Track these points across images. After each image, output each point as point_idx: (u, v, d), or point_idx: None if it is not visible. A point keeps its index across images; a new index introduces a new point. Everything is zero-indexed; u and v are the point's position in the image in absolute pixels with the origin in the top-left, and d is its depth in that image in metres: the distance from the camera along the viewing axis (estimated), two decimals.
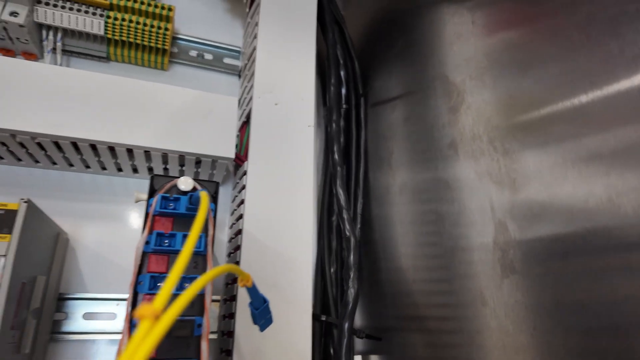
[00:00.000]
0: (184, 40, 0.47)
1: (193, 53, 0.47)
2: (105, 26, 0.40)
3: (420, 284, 0.36)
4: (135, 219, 0.39)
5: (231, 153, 0.36)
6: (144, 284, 0.22)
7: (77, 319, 0.35)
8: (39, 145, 0.33)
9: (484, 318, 0.27)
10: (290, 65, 0.40)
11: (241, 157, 0.39)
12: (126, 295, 0.37)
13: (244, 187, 0.36)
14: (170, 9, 0.42)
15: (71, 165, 0.38)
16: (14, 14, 0.37)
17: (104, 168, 0.38)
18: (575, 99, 0.23)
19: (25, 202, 0.27)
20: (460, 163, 0.31)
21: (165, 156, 0.35)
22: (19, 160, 0.36)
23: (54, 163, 0.37)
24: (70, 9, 0.39)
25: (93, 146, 0.34)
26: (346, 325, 0.33)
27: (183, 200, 0.24)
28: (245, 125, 0.40)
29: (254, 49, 0.41)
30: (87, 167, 0.38)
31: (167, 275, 0.22)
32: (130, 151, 0.35)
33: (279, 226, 0.35)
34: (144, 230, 0.23)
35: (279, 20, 0.41)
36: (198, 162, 0.37)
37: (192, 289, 0.13)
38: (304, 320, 0.33)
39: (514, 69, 0.28)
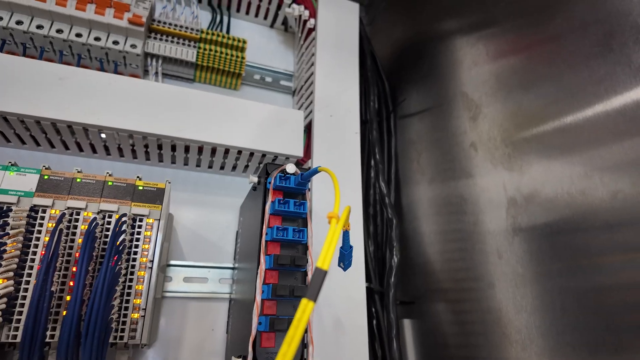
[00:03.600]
0: (250, 66, 0.58)
1: (257, 76, 0.58)
2: (197, 54, 0.51)
3: (444, 261, 0.46)
4: (222, 206, 0.50)
5: (300, 152, 0.46)
6: (269, 234, 0.32)
7: (179, 282, 0.45)
8: (159, 146, 0.44)
9: (500, 272, 0.37)
10: (341, 85, 0.52)
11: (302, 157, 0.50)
12: (215, 264, 0.47)
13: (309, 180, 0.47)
14: (244, 42, 0.53)
15: (173, 163, 0.48)
16: (133, 45, 0.48)
17: (197, 165, 0.49)
18: (563, 112, 0.34)
19: (169, 182, 0.37)
20: (479, 157, 0.41)
21: (251, 155, 0.46)
22: (135, 158, 0.47)
23: (160, 160, 0.48)
24: (172, 41, 0.51)
25: (200, 148, 0.44)
26: (392, 281, 0.43)
27: (292, 179, 0.34)
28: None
29: (312, 73, 0.52)
30: (185, 164, 0.49)
31: (282, 227, 0.32)
32: (227, 151, 0.45)
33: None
34: (266, 200, 0.34)
35: (331, 51, 0.53)
36: (274, 159, 0.47)
37: (347, 209, 0.23)
38: (358, 287, 0.43)
39: (519, 87, 0.38)
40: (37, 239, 0.32)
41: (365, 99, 0.57)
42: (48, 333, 0.30)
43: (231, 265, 0.47)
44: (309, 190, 0.35)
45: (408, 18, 0.63)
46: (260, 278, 0.30)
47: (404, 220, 0.55)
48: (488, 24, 0.44)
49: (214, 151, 0.46)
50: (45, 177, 0.34)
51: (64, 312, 0.30)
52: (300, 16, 0.55)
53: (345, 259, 0.34)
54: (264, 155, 0.46)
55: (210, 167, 0.50)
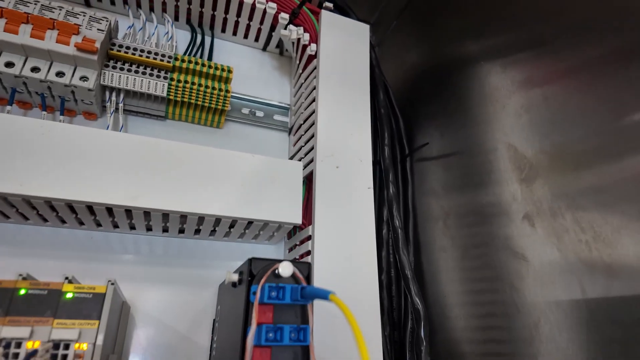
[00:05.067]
0: (237, 98, 0.47)
1: (245, 110, 0.48)
2: (169, 88, 0.41)
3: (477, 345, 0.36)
4: (196, 282, 0.39)
5: (299, 219, 0.36)
6: None
7: None
8: (109, 211, 0.33)
9: None
10: (348, 128, 0.41)
11: None
12: None
13: (308, 253, 0.36)
14: (230, 71, 0.43)
15: (133, 228, 0.37)
16: (83, 78, 0.37)
17: (165, 230, 0.38)
18: None
19: (112, 284, 0.26)
20: (538, 236, 0.31)
21: (234, 222, 0.35)
22: (82, 224, 0.36)
23: (116, 226, 0.37)
24: (136, 71, 0.40)
25: (165, 214, 0.33)
26: None
27: (288, 290, 0.23)
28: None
29: (313, 112, 0.42)
30: (149, 229, 0.38)
31: None
32: (201, 218, 0.34)
33: (348, 291, 0.34)
34: (249, 320, 0.23)
35: (337, 84, 0.42)
36: (263, 226, 0.37)
37: None
38: None
39: (595, 138, 0.28)
40: None
41: (377, 140, 0.46)
42: None
43: None
44: (312, 303, 0.24)
45: (425, 39, 0.53)
46: None
47: (426, 292, 0.44)
48: (539, 45, 0.34)
49: (184, 217, 0.35)
50: None
51: None
52: (298, 40, 0.45)
53: None
54: (249, 225, 0.36)
55: (181, 232, 0.39)
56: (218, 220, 0.36)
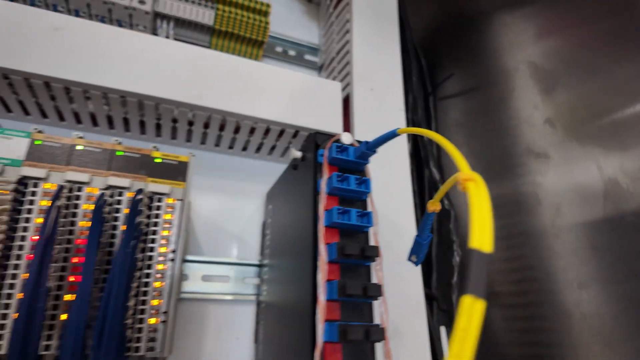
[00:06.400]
0: (272, 37, 0.51)
1: (279, 49, 0.51)
2: (215, 17, 0.44)
3: (504, 260, 0.40)
4: (245, 193, 0.42)
5: (340, 129, 0.40)
6: (327, 218, 0.25)
7: (197, 281, 0.38)
8: (174, 120, 0.37)
9: (592, 270, 0.31)
10: (381, 56, 0.45)
11: None
12: (238, 260, 0.40)
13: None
14: (268, 5, 0.46)
15: (188, 141, 0.41)
16: (141, 2, 0.40)
17: (216, 145, 0.42)
18: None
19: (193, 156, 0.30)
20: (558, 135, 0.35)
21: (280, 133, 0.39)
22: (128, 131, 0.40)
23: (174, 138, 0.40)
24: (186, 0, 0.43)
25: (222, 125, 0.37)
26: (454, 282, 0.36)
27: (351, 151, 0.27)
28: None
29: (347, 42, 0.45)
30: (202, 143, 0.41)
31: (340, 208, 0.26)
32: (252, 130, 0.38)
33: (385, 200, 0.39)
34: (319, 175, 0.27)
35: (369, 17, 0.46)
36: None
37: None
38: (416, 290, 0.36)
39: (617, 54, 0.32)
40: (27, 220, 0.24)
41: (405, 75, 0.50)
42: (43, 343, 0.22)
43: (257, 262, 0.40)
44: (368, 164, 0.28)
45: None
46: (324, 273, 0.23)
47: (446, 213, 0.48)
48: None
49: (237, 129, 0.38)
50: (37, 142, 0.26)
51: (62, 317, 0.22)
52: None
53: (420, 251, 0.27)
54: (295, 134, 0.40)
55: (231, 147, 0.42)
56: (265, 136, 0.40)
